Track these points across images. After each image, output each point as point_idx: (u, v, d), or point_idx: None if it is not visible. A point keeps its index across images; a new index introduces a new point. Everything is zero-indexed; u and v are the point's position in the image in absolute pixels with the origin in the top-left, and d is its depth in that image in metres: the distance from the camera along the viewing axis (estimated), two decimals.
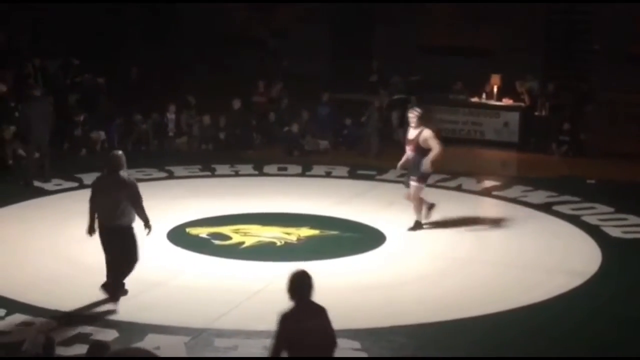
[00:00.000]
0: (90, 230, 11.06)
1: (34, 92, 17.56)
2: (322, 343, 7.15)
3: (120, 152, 11.16)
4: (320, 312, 7.29)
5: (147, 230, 11.01)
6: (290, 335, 7.02)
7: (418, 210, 14.24)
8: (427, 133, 13.93)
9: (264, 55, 23.54)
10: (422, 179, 14.08)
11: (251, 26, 24.70)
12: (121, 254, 10.96)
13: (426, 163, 13.86)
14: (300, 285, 7.38)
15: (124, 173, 10.92)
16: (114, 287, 11.01)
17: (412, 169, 14.05)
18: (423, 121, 14.02)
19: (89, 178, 16.99)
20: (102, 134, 19.99)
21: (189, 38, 23.76)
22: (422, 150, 13.88)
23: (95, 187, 11.08)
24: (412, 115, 14.02)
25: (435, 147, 13.86)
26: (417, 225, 14.21)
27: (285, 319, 7.12)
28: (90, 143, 19.72)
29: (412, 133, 14.03)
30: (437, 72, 22.14)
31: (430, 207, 14.26)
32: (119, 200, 10.76)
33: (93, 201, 10.97)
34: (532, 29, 22.56)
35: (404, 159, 14.20)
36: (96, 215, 10.96)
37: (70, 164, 18.04)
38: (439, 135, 14.26)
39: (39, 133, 16.70)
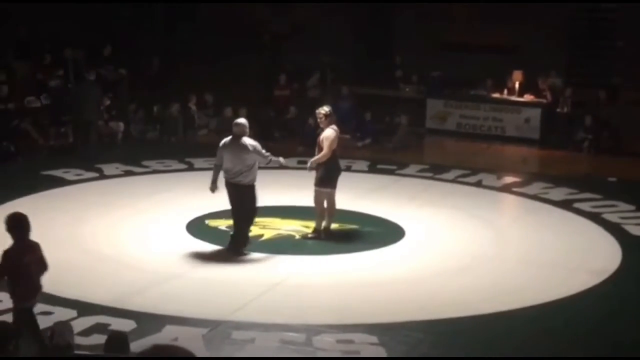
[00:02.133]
0: (213, 188, 12.70)
1: (87, 76, 18.70)
2: (41, 271, 8.83)
3: (243, 120, 12.65)
4: (36, 247, 8.81)
5: (279, 158, 12.84)
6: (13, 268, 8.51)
7: (318, 215, 13.48)
8: (326, 133, 13.15)
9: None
10: (323, 183, 13.27)
11: (271, 20, 24.67)
12: (241, 208, 12.47)
13: (310, 161, 13.35)
14: (19, 225, 8.76)
15: (247, 139, 12.37)
16: (237, 238, 12.56)
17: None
18: (329, 120, 13.20)
19: (109, 169, 17.12)
20: (121, 125, 20.03)
21: (210, 31, 23.74)
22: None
23: (222, 150, 12.52)
24: (319, 114, 13.29)
25: (324, 149, 13.03)
26: (317, 233, 13.50)
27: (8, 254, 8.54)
28: (110, 133, 19.77)
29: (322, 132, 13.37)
30: (459, 69, 22.08)
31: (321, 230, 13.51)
32: (240, 162, 12.30)
33: (219, 161, 12.55)
34: (555, 25, 22.44)
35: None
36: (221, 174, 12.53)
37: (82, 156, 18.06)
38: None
39: (89, 115, 17.96)
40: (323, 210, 13.38)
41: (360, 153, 19.47)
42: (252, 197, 12.56)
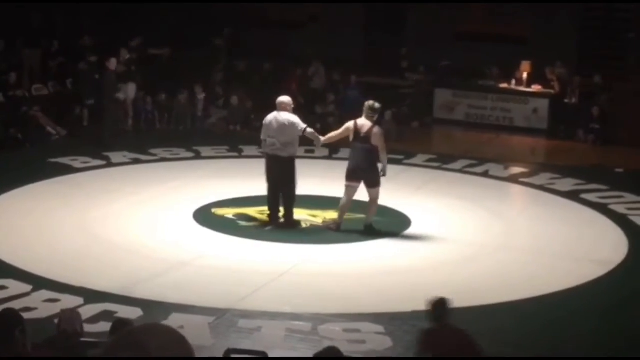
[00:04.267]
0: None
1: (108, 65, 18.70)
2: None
3: (285, 97, 13.41)
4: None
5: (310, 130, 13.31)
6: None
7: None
8: (377, 130, 13.14)
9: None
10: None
11: (285, 10, 24.61)
12: (282, 181, 13.14)
13: (385, 166, 13.27)
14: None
15: (287, 115, 13.13)
16: (287, 214, 13.31)
17: None
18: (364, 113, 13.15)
19: (116, 157, 17.13)
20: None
21: (223, 21, 23.68)
22: None
23: (265, 124, 13.26)
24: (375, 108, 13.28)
25: (383, 145, 13.14)
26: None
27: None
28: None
29: None
30: (469, 58, 22.03)
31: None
32: (283, 134, 13.03)
33: (264, 136, 13.26)
34: (566, 16, 22.37)
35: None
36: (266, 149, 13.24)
37: (95, 143, 18.09)
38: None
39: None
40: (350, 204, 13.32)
41: None
42: (293, 170, 13.22)
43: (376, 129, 13.01)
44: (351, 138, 13.12)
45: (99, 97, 18.96)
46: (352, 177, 13.12)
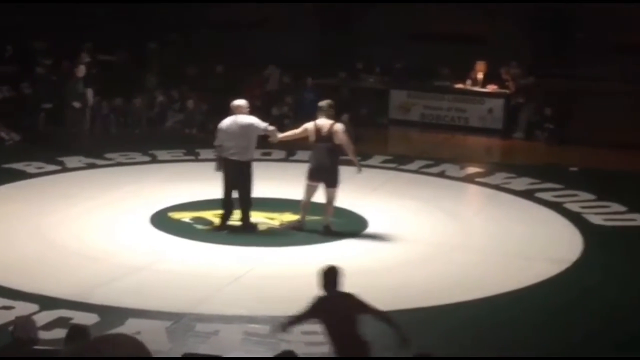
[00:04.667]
0: (218, 167, 13.27)
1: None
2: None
3: (241, 100, 13.30)
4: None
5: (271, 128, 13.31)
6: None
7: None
8: (339, 126, 13.30)
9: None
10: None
11: (236, 12, 24.57)
12: (239, 184, 13.09)
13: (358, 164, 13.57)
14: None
15: (246, 117, 13.07)
16: (244, 217, 13.23)
17: None
18: (319, 113, 13.32)
19: (71, 162, 17.01)
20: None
21: (179, 24, 23.63)
22: None
23: (222, 129, 13.15)
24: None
25: (349, 142, 13.29)
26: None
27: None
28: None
29: None
30: (424, 59, 22.14)
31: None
32: (244, 138, 13.00)
33: (219, 142, 13.18)
34: (520, 16, 22.57)
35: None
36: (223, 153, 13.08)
37: (52, 147, 17.96)
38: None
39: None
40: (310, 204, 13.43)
41: None
42: (251, 174, 13.18)
43: (337, 126, 13.12)
44: (312, 139, 13.17)
45: (57, 101, 18.77)
46: (314, 176, 13.17)
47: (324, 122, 13.13)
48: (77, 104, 17.73)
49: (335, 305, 8.17)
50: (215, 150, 13.48)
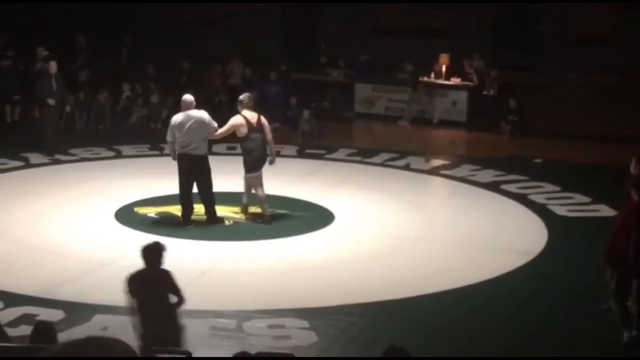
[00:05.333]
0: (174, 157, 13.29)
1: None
2: None
3: (189, 96, 13.34)
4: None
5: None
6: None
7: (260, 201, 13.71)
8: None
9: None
10: (246, 169, 13.60)
11: (200, 7, 24.49)
12: (200, 179, 13.14)
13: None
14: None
15: (199, 112, 13.13)
16: (210, 211, 13.30)
17: None
18: (241, 107, 13.57)
19: (34, 158, 16.87)
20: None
21: (145, 18, 23.50)
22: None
23: (176, 124, 13.08)
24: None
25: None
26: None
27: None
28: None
29: None
30: (387, 53, 22.17)
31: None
32: (200, 132, 13.02)
33: (171, 138, 13.21)
34: (482, 8, 22.67)
35: None
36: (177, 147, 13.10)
37: (15, 143, 17.80)
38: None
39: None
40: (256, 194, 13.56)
41: (289, 138, 19.42)
42: (209, 167, 13.23)
43: (263, 118, 13.54)
44: (244, 131, 13.35)
45: (27, 94, 18.56)
46: (259, 166, 13.43)
47: (250, 114, 13.44)
48: (51, 101, 17.50)
49: (151, 280, 8.44)
50: (168, 146, 13.58)
